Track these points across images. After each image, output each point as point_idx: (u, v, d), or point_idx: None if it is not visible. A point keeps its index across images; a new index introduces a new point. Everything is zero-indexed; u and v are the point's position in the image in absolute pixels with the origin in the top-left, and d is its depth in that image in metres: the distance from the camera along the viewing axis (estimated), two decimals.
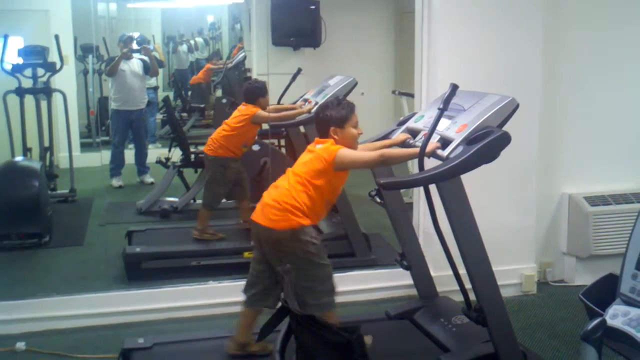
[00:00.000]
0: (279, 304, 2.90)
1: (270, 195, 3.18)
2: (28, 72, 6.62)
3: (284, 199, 3.10)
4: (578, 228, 4.67)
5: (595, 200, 4.63)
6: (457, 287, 3.13)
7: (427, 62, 4.38)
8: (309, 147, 3.27)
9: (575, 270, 4.76)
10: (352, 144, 3.20)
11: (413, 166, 4.87)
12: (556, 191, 4.76)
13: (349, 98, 3.85)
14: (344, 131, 3.16)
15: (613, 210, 4.59)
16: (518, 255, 4.56)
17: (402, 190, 3.93)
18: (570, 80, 4.64)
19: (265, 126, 5.43)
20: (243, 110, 5.11)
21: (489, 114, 2.94)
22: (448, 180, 2.93)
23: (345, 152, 3.08)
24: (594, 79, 4.67)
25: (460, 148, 2.87)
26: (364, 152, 3.14)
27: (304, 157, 3.22)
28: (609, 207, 4.60)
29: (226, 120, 5.24)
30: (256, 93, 5.10)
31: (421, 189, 3.48)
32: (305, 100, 5.08)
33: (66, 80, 7.50)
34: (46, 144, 6.80)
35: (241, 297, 4.05)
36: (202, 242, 5.22)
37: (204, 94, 9.73)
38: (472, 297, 3.07)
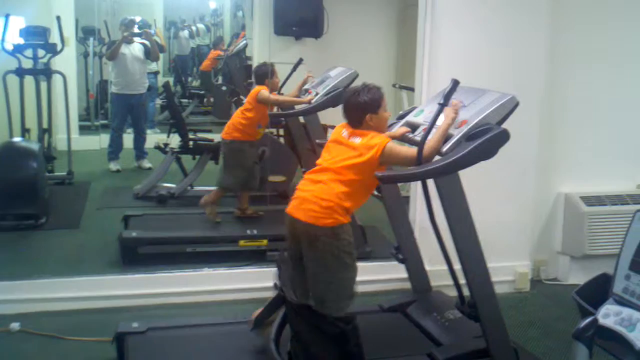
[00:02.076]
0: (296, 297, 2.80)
1: (309, 190, 3.04)
2: (29, 52, 6.59)
3: (327, 196, 2.97)
4: (573, 227, 4.70)
5: (591, 201, 4.65)
6: (451, 282, 3.15)
7: (429, 57, 4.38)
8: (338, 137, 3.13)
9: (569, 269, 4.79)
10: (384, 128, 3.14)
11: None
12: (553, 190, 4.78)
13: None
14: (378, 116, 3.07)
15: (608, 211, 4.62)
16: (513, 253, 4.58)
17: (399, 184, 3.94)
18: (571, 81, 4.66)
19: None
20: (251, 92, 5.27)
21: (489, 111, 2.94)
22: (445, 176, 2.94)
23: (393, 148, 2.96)
24: (595, 79, 4.69)
25: (460, 144, 2.87)
26: (410, 150, 2.97)
27: (342, 153, 3.06)
28: (604, 208, 4.63)
29: (240, 107, 5.38)
30: (263, 75, 5.28)
31: (419, 183, 3.49)
32: (306, 91, 5.09)
33: (66, 62, 7.48)
34: (45, 125, 6.77)
35: (236, 285, 4.07)
36: (198, 229, 5.23)
37: (208, 80, 9.75)
38: (465, 292, 3.09)
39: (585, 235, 4.63)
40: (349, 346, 1.99)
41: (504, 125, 2.92)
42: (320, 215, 2.95)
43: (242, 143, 5.32)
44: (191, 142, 6.47)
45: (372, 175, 2.98)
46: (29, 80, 6.60)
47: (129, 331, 3.46)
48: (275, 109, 5.49)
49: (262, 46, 7.42)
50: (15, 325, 3.78)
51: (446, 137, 2.95)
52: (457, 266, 3.07)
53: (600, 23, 4.66)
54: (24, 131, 6.61)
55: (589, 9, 4.64)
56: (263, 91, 5.17)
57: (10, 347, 3.64)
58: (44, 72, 6.69)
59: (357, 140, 3.03)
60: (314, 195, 2.99)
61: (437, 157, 2.93)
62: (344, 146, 3.07)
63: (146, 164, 7.49)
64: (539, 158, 4.55)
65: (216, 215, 5.36)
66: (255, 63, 7.55)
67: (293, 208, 3.06)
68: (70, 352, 3.60)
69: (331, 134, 3.23)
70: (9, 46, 6.50)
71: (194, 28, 10.21)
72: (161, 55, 8.57)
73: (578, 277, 4.62)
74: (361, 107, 3.05)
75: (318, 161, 3.16)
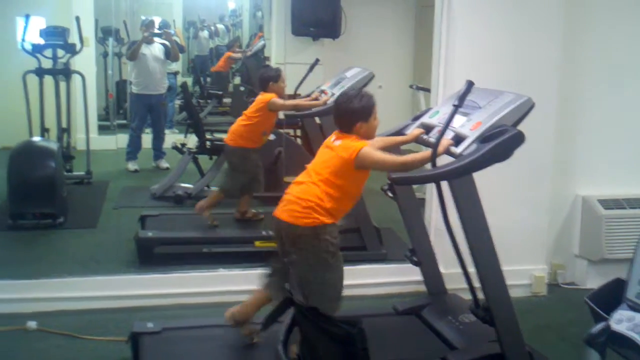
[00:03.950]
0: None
1: (293, 191, 3.11)
2: (48, 52, 6.65)
3: (307, 196, 3.03)
4: (591, 231, 4.65)
5: (609, 204, 4.61)
6: (466, 285, 3.13)
7: (445, 58, 4.36)
8: (326, 142, 3.19)
9: (586, 273, 4.74)
10: (373, 134, 3.17)
11: None
12: (570, 193, 4.74)
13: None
14: (368, 124, 3.10)
15: (627, 215, 4.57)
16: (529, 256, 4.54)
17: (414, 186, 3.92)
18: (589, 81, 4.62)
19: (280, 116, 5.43)
20: (259, 99, 5.16)
21: (504, 112, 2.92)
22: (460, 178, 2.92)
23: (367, 152, 2.97)
24: (613, 80, 4.64)
25: (474, 146, 2.85)
26: (386, 156, 2.99)
27: (324, 155, 3.12)
28: (622, 211, 4.58)
29: (245, 111, 5.29)
30: (267, 80, 5.14)
31: (433, 185, 3.48)
32: (322, 92, 5.07)
33: (86, 63, 7.56)
34: (64, 125, 6.84)
35: (251, 286, 4.08)
36: (214, 229, 5.24)
37: (223, 81, 9.77)
38: (480, 295, 3.07)
39: (603, 239, 4.58)
40: (356, 349, 1.99)
41: (521, 127, 2.90)
42: (301, 215, 3.03)
43: (246, 150, 5.25)
44: (208, 143, 6.49)
45: (354, 181, 3.06)
46: (48, 80, 6.67)
47: (144, 331, 3.46)
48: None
49: (279, 46, 7.43)
50: (32, 324, 3.81)
51: (461, 139, 2.94)
52: (471, 269, 3.05)
53: (618, 22, 4.62)
54: (43, 131, 6.67)
55: (606, 9, 4.59)
56: (275, 99, 5.04)
57: (26, 345, 3.66)
58: (63, 72, 6.75)
59: (338, 143, 3.09)
60: (295, 196, 3.08)
61: (451, 159, 2.92)
62: (326, 148, 3.15)
63: (164, 164, 7.52)
64: (556, 160, 4.50)
65: (213, 219, 5.32)
66: (272, 63, 7.57)
67: (278, 210, 3.14)
68: (85, 351, 3.62)
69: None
70: (28, 46, 6.56)
71: (213, 28, 10.23)
72: (181, 56, 8.61)
73: (596, 281, 4.55)
74: (353, 114, 3.10)
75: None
